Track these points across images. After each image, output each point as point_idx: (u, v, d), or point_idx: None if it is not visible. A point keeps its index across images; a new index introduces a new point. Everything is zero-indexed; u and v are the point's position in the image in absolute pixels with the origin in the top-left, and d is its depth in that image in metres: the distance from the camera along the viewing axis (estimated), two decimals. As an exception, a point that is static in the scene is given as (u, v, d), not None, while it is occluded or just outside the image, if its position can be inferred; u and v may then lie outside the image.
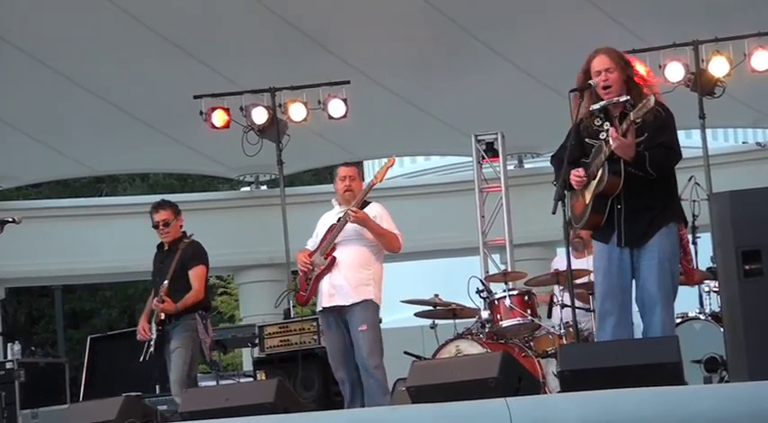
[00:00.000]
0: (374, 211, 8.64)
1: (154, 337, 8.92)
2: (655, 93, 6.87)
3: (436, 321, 9.78)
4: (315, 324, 10.00)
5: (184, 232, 9.19)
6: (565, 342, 8.95)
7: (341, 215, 8.63)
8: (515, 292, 9.40)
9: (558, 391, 6.66)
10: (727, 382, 7.45)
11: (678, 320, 8.04)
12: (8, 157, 14.25)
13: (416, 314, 10.05)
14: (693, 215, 9.09)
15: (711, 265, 8.14)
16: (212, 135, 12.97)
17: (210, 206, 15.64)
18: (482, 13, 12.48)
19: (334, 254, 8.59)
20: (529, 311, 9.29)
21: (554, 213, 6.88)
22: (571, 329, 8.60)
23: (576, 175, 6.88)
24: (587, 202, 6.92)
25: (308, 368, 10.03)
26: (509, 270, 11.14)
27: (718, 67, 11.61)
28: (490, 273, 11.75)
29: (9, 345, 11.74)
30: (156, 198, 18.43)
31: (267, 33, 12.49)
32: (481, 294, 9.56)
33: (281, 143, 12.41)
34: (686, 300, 7.81)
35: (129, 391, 9.29)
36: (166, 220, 9.11)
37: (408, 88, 13.58)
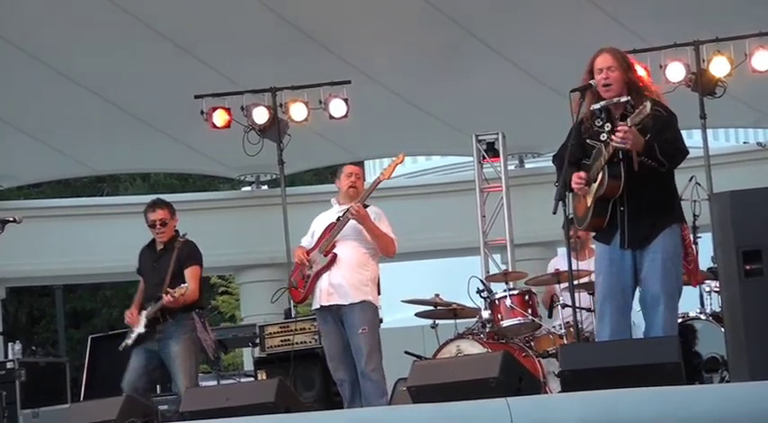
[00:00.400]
0: (372, 213, 8.63)
1: (142, 331, 8.85)
2: (657, 94, 6.90)
3: (437, 321, 9.78)
4: (315, 324, 9.99)
5: (177, 231, 9.16)
6: (565, 342, 8.95)
7: (340, 214, 8.63)
8: (516, 292, 9.40)
9: (559, 391, 6.66)
10: (727, 382, 7.46)
11: (679, 320, 8.03)
12: (9, 157, 14.26)
13: (417, 314, 10.05)
14: (694, 215, 9.09)
15: (712, 265, 8.14)
16: (213, 135, 12.97)
17: (211, 206, 15.65)
18: (483, 13, 12.48)
19: (334, 251, 8.60)
20: (529, 311, 9.29)
21: (555, 213, 6.89)
22: (572, 329, 8.60)
23: (577, 180, 6.89)
24: (589, 205, 6.93)
25: (309, 368, 10.03)
26: (510, 270, 11.15)
27: (718, 67, 11.61)
28: (491, 273, 11.76)
29: (10, 344, 11.75)
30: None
31: (268, 33, 12.49)
32: (482, 294, 9.56)
33: (281, 143, 12.41)
34: (687, 300, 7.79)
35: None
36: (164, 220, 9.09)
37: (409, 88, 13.58)
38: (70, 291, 23.79)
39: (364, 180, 8.99)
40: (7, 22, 12.19)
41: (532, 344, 9.25)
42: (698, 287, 8.95)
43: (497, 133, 12.68)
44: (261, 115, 12.47)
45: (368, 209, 8.61)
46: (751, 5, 11.81)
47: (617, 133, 6.66)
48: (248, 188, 15.89)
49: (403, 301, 10.16)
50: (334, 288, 8.54)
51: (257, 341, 10.60)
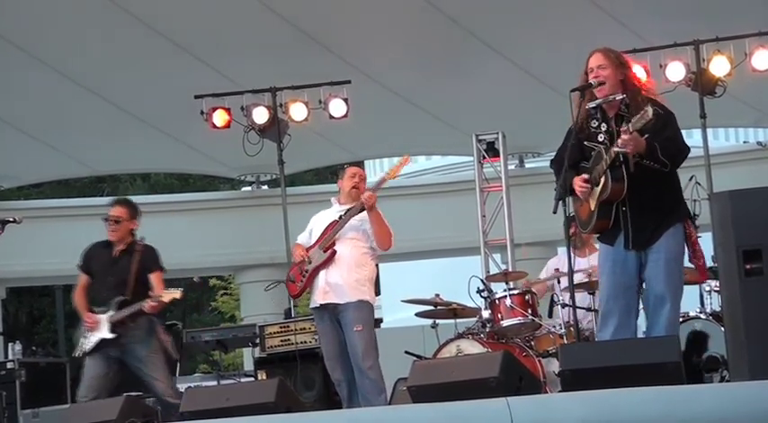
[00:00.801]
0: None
1: (108, 336, 8.68)
2: (653, 94, 6.90)
3: (437, 321, 9.78)
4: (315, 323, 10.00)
5: (135, 235, 9.02)
6: (566, 341, 8.94)
7: (342, 213, 8.64)
8: (516, 292, 9.40)
9: (559, 391, 6.66)
10: (728, 381, 7.46)
11: (679, 320, 8.03)
12: (9, 157, 14.26)
13: (417, 314, 10.05)
14: (694, 214, 9.05)
15: (712, 264, 8.13)
16: (213, 135, 12.97)
17: (211, 206, 15.67)
18: (483, 13, 12.48)
19: (334, 248, 8.61)
20: (530, 311, 9.28)
21: (555, 213, 6.90)
22: (572, 329, 8.59)
23: (582, 184, 6.88)
24: (592, 208, 6.94)
25: (309, 368, 10.03)
26: (510, 270, 11.15)
27: (718, 66, 11.61)
28: (491, 272, 11.76)
29: (10, 344, 11.75)
30: (158, 198, 18.51)
31: (268, 33, 12.49)
32: (482, 294, 9.55)
33: (281, 143, 12.41)
34: (687, 299, 7.79)
35: (130, 390, 9.26)
36: (117, 218, 8.95)
37: (409, 88, 13.58)
38: (70, 291, 23.71)
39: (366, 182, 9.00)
40: (8, 23, 12.19)
41: (533, 343, 9.24)
42: (698, 286, 8.97)
43: (497, 133, 12.68)
44: (261, 115, 12.48)
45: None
46: (751, 5, 11.81)
47: (620, 140, 6.66)
48: (248, 188, 15.89)
49: (403, 301, 10.16)
50: (330, 287, 8.55)
51: (257, 341, 10.60)
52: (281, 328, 10.45)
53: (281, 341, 10.36)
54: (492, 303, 9.40)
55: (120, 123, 13.60)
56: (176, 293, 8.69)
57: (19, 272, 14.98)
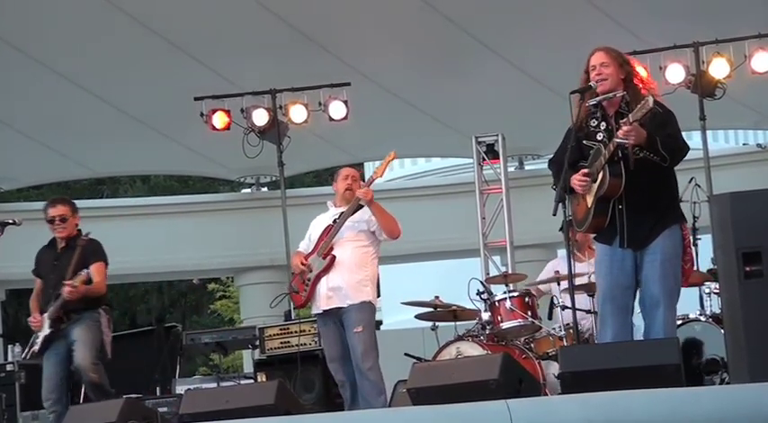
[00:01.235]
0: (367, 212, 8.66)
1: (47, 332, 8.72)
2: (654, 93, 6.90)
3: (437, 323, 9.78)
4: (315, 326, 9.99)
5: (80, 231, 9.06)
6: (565, 344, 8.94)
7: (337, 217, 8.65)
8: (516, 294, 9.39)
9: (559, 393, 6.66)
10: (727, 383, 7.45)
11: (679, 322, 8.03)
12: (9, 159, 14.26)
13: (417, 316, 10.04)
14: (694, 217, 9.09)
15: (712, 266, 8.14)
16: (213, 137, 12.97)
17: (211, 208, 15.66)
18: (482, 15, 12.48)
19: (333, 253, 8.61)
20: (529, 313, 9.28)
21: (554, 215, 6.90)
22: (571, 331, 8.59)
23: (580, 179, 6.88)
24: (589, 205, 6.92)
25: (309, 370, 10.03)
26: (509, 272, 11.14)
27: (718, 68, 11.61)
28: (491, 274, 11.75)
29: (10, 346, 11.73)
30: (158, 200, 18.51)
31: (268, 35, 12.49)
32: (482, 296, 9.55)
33: (281, 145, 12.41)
34: (687, 301, 7.79)
35: (129, 392, 9.26)
36: (63, 216, 8.98)
37: (409, 90, 13.58)
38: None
39: (361, 182, 8.99)
40: (7, 24, 12.19)
41: (532, 346, 9.23)
42: (698, 289, 8.96)
43: (497, 135, 12.68)
44: (260, 117, 12.48)
45: (362, 210, 8.65)
46: (750, 7, 11.82)
47: (621, 131, 6.66)
48: (248, 190, 15.89)
49: (403, 303, 10.16)
50: (333, 291, 8.56)
51: (257, 343, 10.60)
52: (280, 330, 10.46)
53: (281, 343, 10.37)
54: (492, 305, 9.39)
55: (120, 125, 13.60)
56: (83, 276, 8.64)
57: (19, 274, 14.88)
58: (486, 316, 9.43)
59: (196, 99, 12.54)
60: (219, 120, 12.67)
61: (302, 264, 8.70)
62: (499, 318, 9.30)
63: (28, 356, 8.90)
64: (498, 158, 12.68)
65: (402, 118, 13.83)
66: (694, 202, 9.13)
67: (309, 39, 12.62)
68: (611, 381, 6.05)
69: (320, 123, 12.78)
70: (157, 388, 10.88)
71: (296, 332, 10.23)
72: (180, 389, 10.52)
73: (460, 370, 6.66)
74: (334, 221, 8.64)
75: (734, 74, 11.63)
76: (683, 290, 7.11)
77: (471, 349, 8.98)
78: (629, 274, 6.91)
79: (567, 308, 9.01)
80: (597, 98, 6.92)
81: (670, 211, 6.95)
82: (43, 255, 9.16)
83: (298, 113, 12.62)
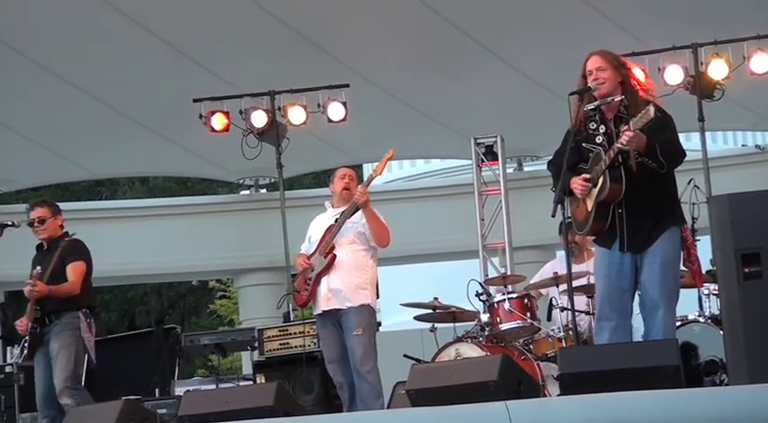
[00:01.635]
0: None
1: (26, 336, 8.77)
2: (652, 97, 6.90)
3: (436, 324, 9.78)
4: (315, 327, 9.99)
5: (66, 232, 9.07)
6: (564, 345, 8.94)
7: (337, 217, 8.65)
8: (515, 295, 9.39)
9: (558, 394, 6.66)
10: (726, 385, 7.45)
11: (677, 323, 8.03)
12: (8, 161, 14.25)
13: (416, 317, 10.04)
14: (693, 218, 9.08)
15: (711, 267, 8.14)
16: (212, 138, 12.96)
17: (210, 209, 15.65)
18: (481, 16, 12.48)
19: (334, 252, 8.61)
20: (528, 314, 9.28)
21: (553, 216, 6.91)
22: (570, 332, 8.59)
23: (581, 184, 6.88)
24: (590, 209, 6.93)
25: (308, 371, 10.03)
26: (508, 273, 11.14)
27: (717, 69, 11.61)
28: (489, 276, 11.74)
29: (9, 348, 11.72)
30: (157, 201, 18.49)
31: (267, 37, 12.48)
32: (481, 297, 9.55)
33: (280, 146, 12.41)
34: (686, 302, 7.79)
35: (129, 394, 9.26)
36: (41, 218, 9.00)
37: (408, 91, 13.58)
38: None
39: (359, 182, 8.99)
40: (6, 25, 12.18)
41: (531, 347, 9.23)
42: (697, 290, 8.96)
43: (496, 136, 12.68)
44: (259, 119, 12.48)
45: (359, 212, 8.64)
46: (749, 8, 11.82)
47: (623, 137, 6.66)
48: (247, 192, 15.88)
49: (402, 305, 10.15)
50: (332, 293, 8.56)
51: (256, 345, 10.60)
52: (279, 331, 10.46)
53: (280, 345, 10.37)
54: (491, 307, 9.39)
55: (119, 127, 13.60)
56: (32, 282, 8.66)
57: (18, 275, 14.81)
58: (485, 317, 9.43)
59: (195, 101, 12.54)
60: (218, 121, 12.67)
61: (305, 262, 8.70)
62: (498, 319, 9.30)
63: (21, 361, 8.90)
64: (497, 160, 12.68)
65: (401, 119, 13.83)
66: (693, 204, 9.13)
67: (308, 40, 12.62)
68: (610, 382, 6.05)
69: (319, 125, 12.77)
70: (156, 389, 10.88)
71: (295, 334, 10.23)
72: (179, 390, 10.52)
73: (460, 371, 6.66)
74: (336, 221, 8.64)
75: (733, 75, 11.63)
76: (682, 291, 7.12)
77: (470, 351, 8.98)
78: (627, 277, 6.92)
79: (565, 309, 9.01)
80: (595, 102, 6.92)
81: (669, 213, 6.96)
82: (35, 257, 9.20)
83: (296, 115, 12.62)
